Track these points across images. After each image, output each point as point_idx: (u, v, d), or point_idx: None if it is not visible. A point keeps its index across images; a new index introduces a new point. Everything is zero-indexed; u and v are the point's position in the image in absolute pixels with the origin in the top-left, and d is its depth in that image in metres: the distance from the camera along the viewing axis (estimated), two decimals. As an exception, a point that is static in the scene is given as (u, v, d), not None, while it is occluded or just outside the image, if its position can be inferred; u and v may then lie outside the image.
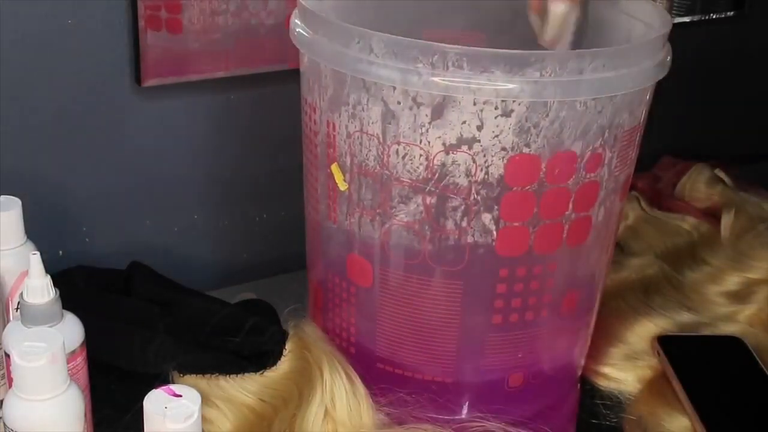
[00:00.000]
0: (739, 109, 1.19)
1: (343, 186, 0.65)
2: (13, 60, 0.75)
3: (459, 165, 0.61)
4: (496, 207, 0.62)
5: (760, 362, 0.77)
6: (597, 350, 0.79)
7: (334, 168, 0.65)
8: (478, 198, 0.62)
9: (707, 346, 0.79)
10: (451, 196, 0.62)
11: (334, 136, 0.65)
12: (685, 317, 0.83)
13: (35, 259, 0.58)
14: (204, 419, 0.58)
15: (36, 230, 0.67)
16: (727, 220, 0.95)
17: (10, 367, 0.54)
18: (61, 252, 0.82)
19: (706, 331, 0.81)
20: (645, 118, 0.67)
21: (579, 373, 0.77)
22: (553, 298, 0.66)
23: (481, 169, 0.61)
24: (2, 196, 0.65)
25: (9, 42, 0.74)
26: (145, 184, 0.85)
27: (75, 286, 0.75)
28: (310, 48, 0.65)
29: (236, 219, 0.91)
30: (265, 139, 0.87)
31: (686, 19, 1.08)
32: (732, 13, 1.11)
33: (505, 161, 0.60)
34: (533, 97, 0.58)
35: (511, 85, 0.58)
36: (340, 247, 0.68)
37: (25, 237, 0.66)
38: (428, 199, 0.62)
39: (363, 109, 0.62)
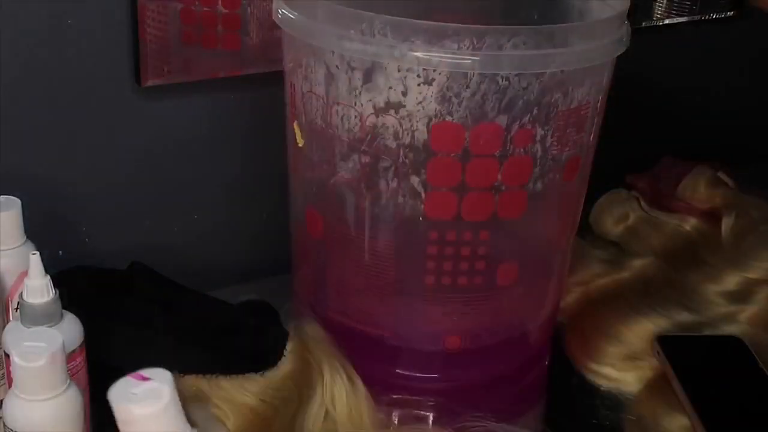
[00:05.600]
0: (739, 109, 1.19)
1: (300, 142, 0.71)
2: (13, 60, 0.75)
3: (388, 128, 0.65)
4: (423, 171, 0.66)
5: (760, 362, 0.77)
6: (597, 350, 0.79)
7: (295, 125, 0.71)
8: (406, 161, 0.66)
9: (707, 346, 0.79)
10: (382, 156, 0.66)
11: (293, 95, 0.71)
12: (685, 317, 0.83)
13: (35, 259, 0.58)
14: (204, 419, 0.58)
15: (36, 230, 0.67)
16: (728, 222, 0.95)
17: (10, 367, 0.54)
18: (61, 252, 0.82)
19: (706, 331, 0.81)
20: (597, 104, 0.69)
21: (540, 348, 0.79)
22: (488, 266, 0.69)
23: (408, 134, 0.65)
24: (2, 196, 0.65)
25: (9, 42, 0.74)
26: (145, 184, 0.84)
27: (75, 286, 0.75)
28: (280, 20, 0.69)
29: (236, 219, 0.91)
30: (265, 139, 0.87)
31: (686, 19, 1.08)
32: (732, 13, 1.11)
33: (428, 127, 0.64)
34: (451, 68, 0.62)
35: (430, 55, 0.62)
36: (301, 199, 0.75)
37: (25, 237, 0.66)
38: (363, 158, 0.67)
39: (312, 72, 0.68)
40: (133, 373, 0.49)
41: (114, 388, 0.48)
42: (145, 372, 0.49)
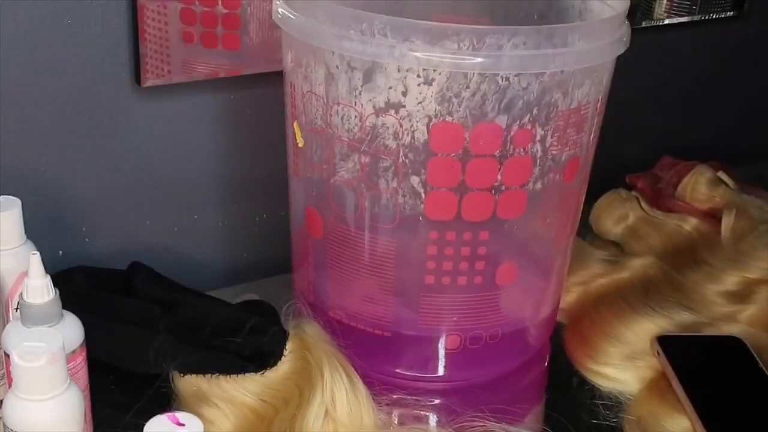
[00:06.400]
0: (739, 110, 1.19)
1: (300, 142, 0.70)
2: (12, 60, 0.75)
3: (388, 128, 0.65)
4: (423, 171, 0.66)
5: (760, 362, 0.77)
6: (597, 350, 0.79)
7: (296, 125, 0.71)
8: (406, 161, 0.66)
9: (707, 346, 0.79)
10: (382, 156, 0.66)
11: (293, 95, 0.71)
12: (685, 317, 0.83)
13: (35, 259, 0.58)
14: (204, 419, 0.58)
15: (36, 230, 0.67)
16: (727, 222, 0.95)
17: (10, 367, 0.54)
18: (61, 252, 0.82)
19: (706, 331, 0.81)
20: (597, 104, 0.69)
21: (540, 348, 0.79)
22: (487, 266, 0.69)
23: (408, 134, 0.65)
24: (2, 196, 0.65)
25: (9, 42, 0.74)
26: (145, 184, 0.84)
27: (75, 286, 0.75)
28: (279, 19, 0.69)
29: (236, 219, 0.91)
30: (265, 139, 0.87)
31: (686, 19, 1.08)
32: (732, 13, 1.11)
33: (428, 128, 0.64)
34: (451, 68, 0.62)
35: (430, 55, 0.62)
36: (301, 199, 0.75)
37: (25, 237, 0.66)
38: (363, 158, 0.67)
39: (312, 72, 0.68)
40: (170, 414, 0.53)
41: (149, 424, 0.52)
42: (180, 417, 0.53)
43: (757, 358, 0.77)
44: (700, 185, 1.01)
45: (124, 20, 0.77)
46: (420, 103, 0.64)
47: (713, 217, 0.98)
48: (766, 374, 0.75)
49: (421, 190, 0.66)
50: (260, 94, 0.86)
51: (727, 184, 1.02)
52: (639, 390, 0.75)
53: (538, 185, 0.68)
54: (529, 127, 0.65)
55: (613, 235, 0.97)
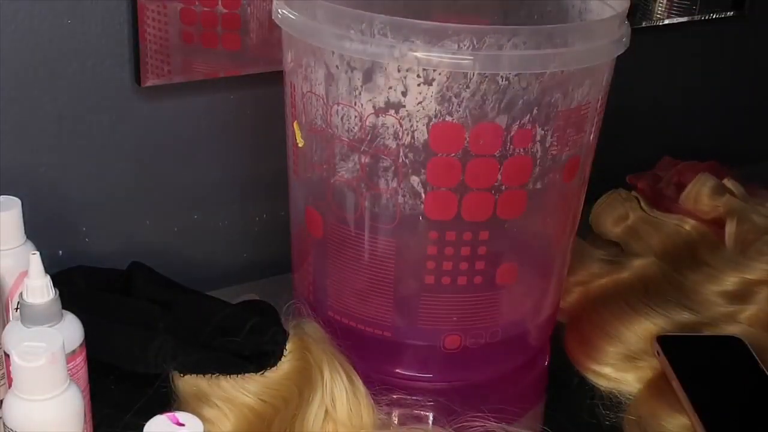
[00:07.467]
0: (739, 110, 1.19)
1: (300, 142, 0.70)
2: (13, 60, 0.75)
3: (388, 128, 0.65)
4: (423, 171, 0.66)
5: (760, 362, 0.77)
6: (597, 350, 0.79)
7: (296, 125, 0.71)
8: (406, 161, 0.66)
9: (707, 346, 0.79)
10: (382, 156, 0.66)
11: (293, 95, 0.71)
12: (685, 317, 0.83)
13: (35, 259, 0.58)
14: (204, 419, 0.58)
15: (36, 230, 0.67)
16: (731, 230, 0.95)
17: (10, 367, 0.54)
18: (61, 252, 0.82)
19: (706, 331, 0.81)
20: (597, 104, 0.69)
21: (540, 348, 0.79)
22: (487, 266, 0.70)
23: (408, 133, 0.65)
24: (2, 196, 0.65)
25: (9, 42, 0.74)
26: (145, 184, 0.84)
27: (75, 286, 0.75)
28: (279, 19, 0.69)
29: (236, 219, 0.91)
30: (265, 139, 0.87)
31: (686, 19, 1.08)
32: (732, 13, 1.11)
33: (428, 127, 0.64)
34: (451, 68, 0.62)
35: (430, 55, 0.62)
36: (301, 199, 0.75)
37: (25, 237, 0.66)
38: (363, 158, 0.67)
39: (312, 72, 0.68)
40: (170, 414, 0.52)
41: (149, 424, 0.52)
42: (180, 417, 0.53)
43: (757, 358, 0.77)
44: (703, 195, 1.00)
45: (124, 20, 0.77)
46: (420, 103, 0.64)
47: (717, 225, 0.97)
48: (766, 374, 0.75)
49: (421, 190, 0.66)
50: (260, 94, 0.86)
51: (731, 192, 1.01)
52: (639, 390, 0.75)
53: (538, 185, 0.68)
54: (529, 127, 0.65)
55: (613, 235, 0.97)
